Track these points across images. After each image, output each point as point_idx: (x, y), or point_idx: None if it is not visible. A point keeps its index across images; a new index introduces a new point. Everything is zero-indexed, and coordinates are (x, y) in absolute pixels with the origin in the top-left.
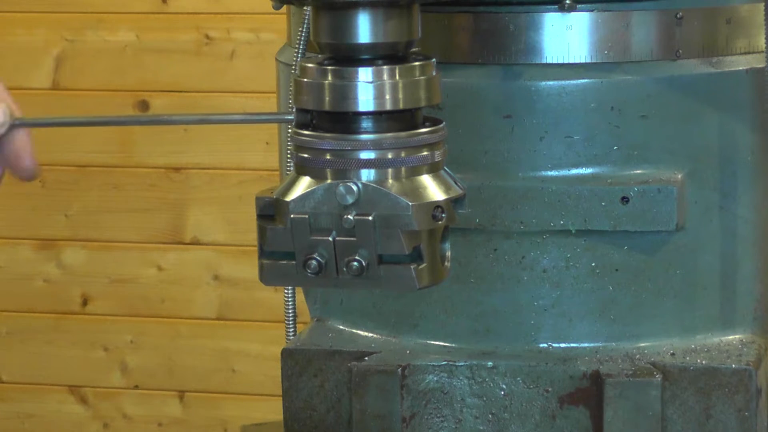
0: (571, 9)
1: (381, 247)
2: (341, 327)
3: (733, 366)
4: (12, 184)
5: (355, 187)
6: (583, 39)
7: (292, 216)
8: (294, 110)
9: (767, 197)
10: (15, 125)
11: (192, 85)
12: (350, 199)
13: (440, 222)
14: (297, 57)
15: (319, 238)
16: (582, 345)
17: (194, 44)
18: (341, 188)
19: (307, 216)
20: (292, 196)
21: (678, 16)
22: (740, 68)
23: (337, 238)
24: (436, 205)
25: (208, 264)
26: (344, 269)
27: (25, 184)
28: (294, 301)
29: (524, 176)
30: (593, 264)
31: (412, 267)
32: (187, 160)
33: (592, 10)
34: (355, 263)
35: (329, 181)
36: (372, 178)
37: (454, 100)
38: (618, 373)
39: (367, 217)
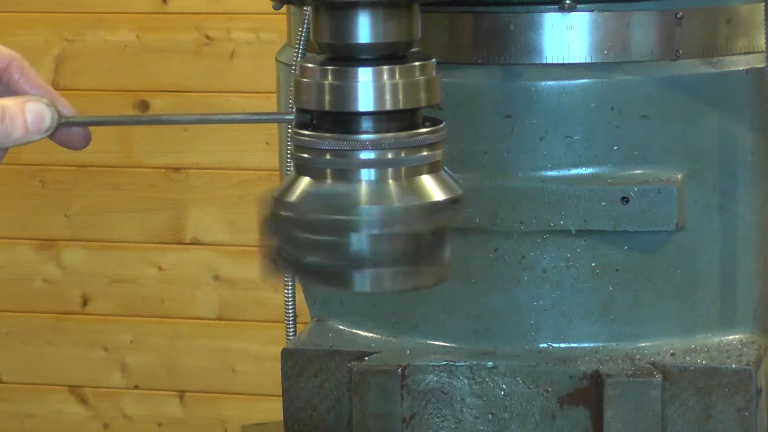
0: (571, 9)
1: None
2: (341, 327)
3: (733, 366)
4: (12, 184)
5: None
6: (583, 39)
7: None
8: (294, 110)
9: (767, 197)
10: (62, 124)
11: (192, 85)
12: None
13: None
14: (297, 57)
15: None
16: (582, 345)
17: (194, 44)
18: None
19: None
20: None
21: (678, 16)
22: (740, 68)
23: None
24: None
25: (208, 264)
26: None
27: (25, 184)
28: (294, 301)
29: (524, 176)
30: (593, 264)
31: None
32: (187, 160)
33: (592, 10)
34: None
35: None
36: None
37: (454, 100)
38: (618, 373)
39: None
